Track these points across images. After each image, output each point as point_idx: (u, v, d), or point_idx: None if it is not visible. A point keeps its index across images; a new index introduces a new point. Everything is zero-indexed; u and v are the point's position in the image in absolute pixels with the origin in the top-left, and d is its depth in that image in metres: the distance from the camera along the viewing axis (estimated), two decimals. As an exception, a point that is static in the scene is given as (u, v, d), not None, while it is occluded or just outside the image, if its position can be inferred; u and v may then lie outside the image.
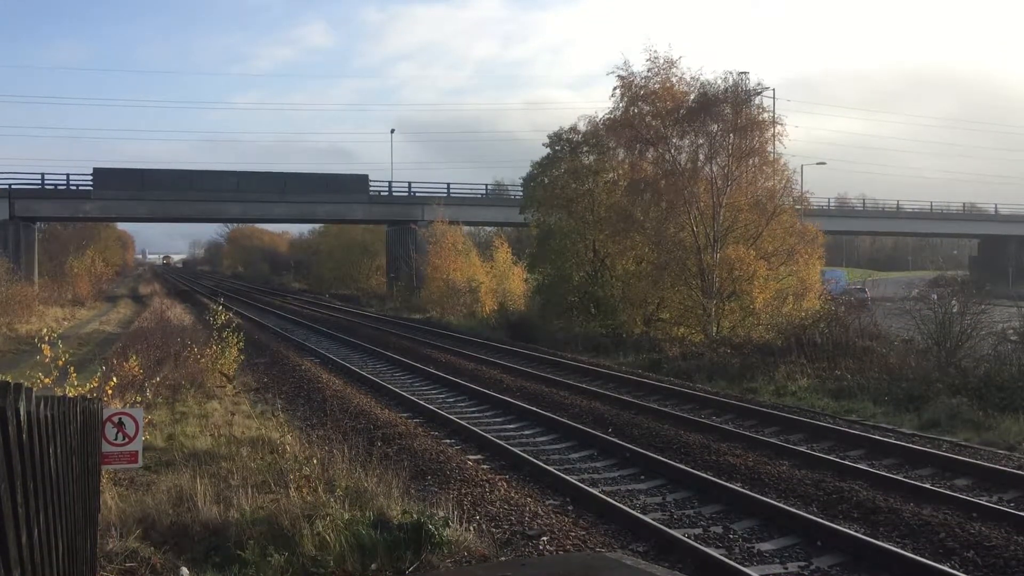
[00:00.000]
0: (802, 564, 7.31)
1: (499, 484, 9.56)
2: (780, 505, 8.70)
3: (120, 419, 6.15)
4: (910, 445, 11.46)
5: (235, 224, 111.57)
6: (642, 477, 10.35)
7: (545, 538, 7.67)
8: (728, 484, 9.57)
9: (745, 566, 7.10)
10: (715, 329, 24.60)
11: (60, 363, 9.28)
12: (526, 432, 13.16)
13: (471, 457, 11.13)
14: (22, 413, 2.91)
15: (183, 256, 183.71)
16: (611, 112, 27.85)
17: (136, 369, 12.84)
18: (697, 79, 26.55)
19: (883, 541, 7.61)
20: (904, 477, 9.92)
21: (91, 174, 50.15)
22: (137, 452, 6.23)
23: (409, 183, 56.92)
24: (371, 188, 55.26)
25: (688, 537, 7.79)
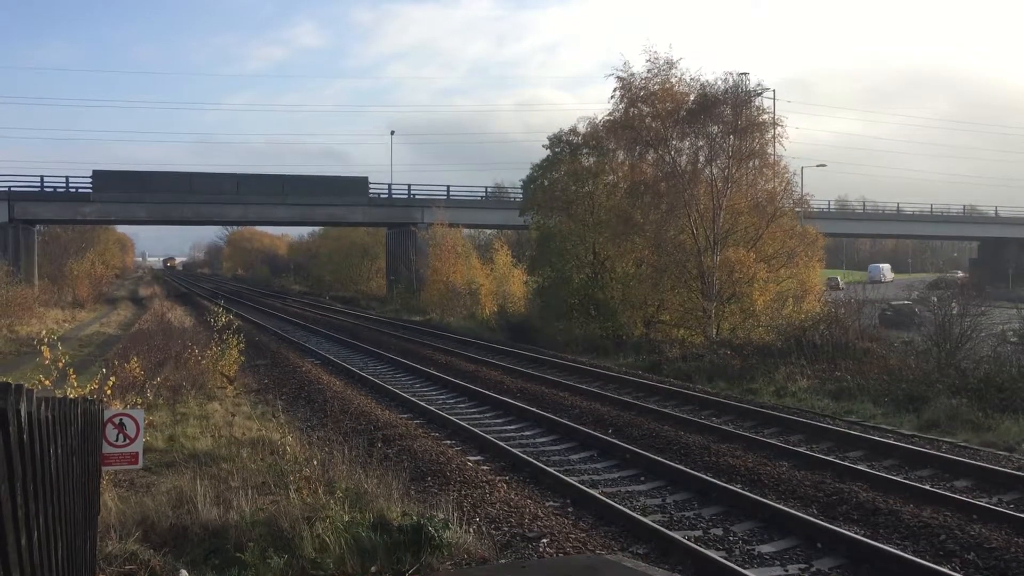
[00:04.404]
0: (802, 566, 7.31)
1: (499, 486, 9.56)
2: (780, 507, 8.69)
3: (121, 420, 6.14)
4: (910, 446, 11.46)
5: (235, 227, 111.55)
6: (642, 478, 10.35)
7: (545, 540, 7.67)
8: (728, 485, 9.56)
9: (745, 568, 7.10)
10: (715, 331, 24.59)
11: (60, 365, 9.27)
12: (526, 433, 13.16)
13: (471, 458, 11.13)
14: (23, 414, 2.91)
15: (183, 259, 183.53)
16: (611, 114, 27.87)
17: (137, 370, 12.84)
18: (697, 80, 26.55)
19: (883, 543, 7.61)
20: (904, 478, 9.92)
21: (90, 177, 50.14)
22: (137, 453, 6.22)
23: (409, 186, 56.91)
24: (371, 191, 55.23)
25: (688, 539, 7.79)
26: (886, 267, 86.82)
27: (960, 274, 64.23)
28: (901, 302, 29.99)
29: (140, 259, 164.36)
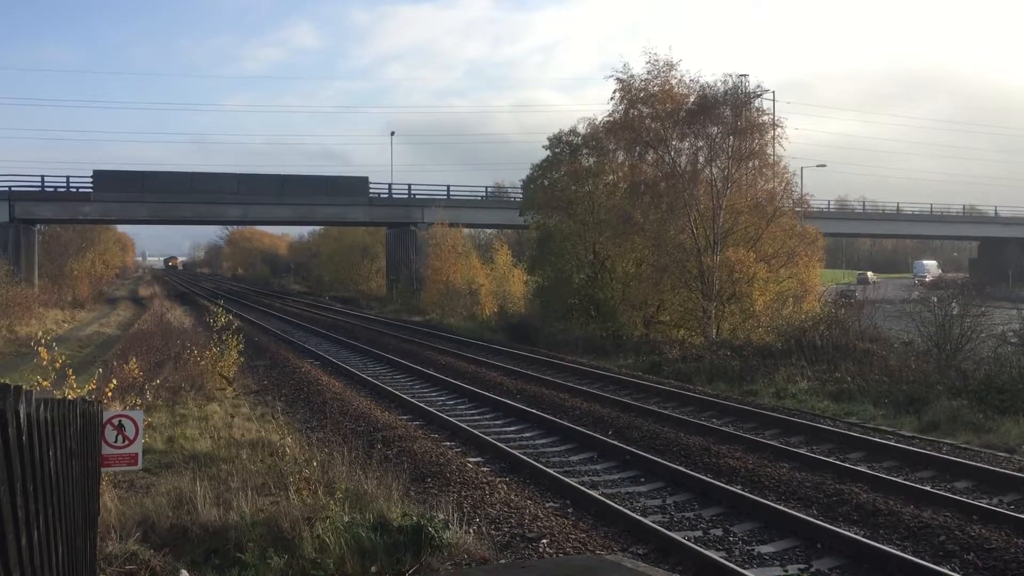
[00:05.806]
0: (802, 567, 7.30)
1: (499, 487, 9.55)
2: (780, 507, 8.69)
3: (120, 421, 6.14)
4: (910, 447, 11.45)
5: (235, 226, 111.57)
6: (642, 479, 10.35)
7: (545, 541, 7.67)
8: (728, 486, 9.56)
9: (745, 568, 7.09)
10: (715, 331, 24.58)
11: (58, 365, 9.26)
12: (526, 435, 13.16)
13: (471, 459, 11.13)
14: (22, 415, 2.91)
15: (184, 258, 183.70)
16: (610, 115, 27.87)
17: (136, 371, 12.83)
18: (697, 82, 26.55)
19: (883, 543, 7.60)
20: (904, 479, 9.92)
21: (91, 176, 50.17)
22: (137, 454, 6.22)
23: (409, 185, 56.89)
24: (371, 190, 55.24)
25: (688, 540, 7.79)
26: (932, 264, 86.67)
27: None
28: (851, 291, 36.80)
29: (140, 259, 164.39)
